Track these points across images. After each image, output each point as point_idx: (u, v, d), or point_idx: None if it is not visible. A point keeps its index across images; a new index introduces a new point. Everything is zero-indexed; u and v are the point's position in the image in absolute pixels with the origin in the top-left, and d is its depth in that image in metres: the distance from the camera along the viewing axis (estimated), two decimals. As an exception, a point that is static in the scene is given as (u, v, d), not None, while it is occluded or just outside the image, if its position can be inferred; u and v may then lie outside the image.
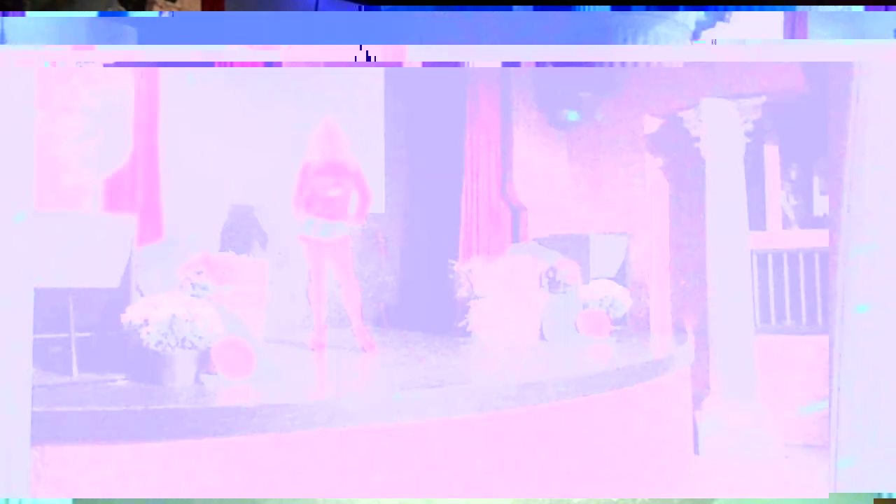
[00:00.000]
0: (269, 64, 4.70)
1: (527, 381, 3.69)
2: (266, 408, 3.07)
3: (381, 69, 7.42)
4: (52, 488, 2.77)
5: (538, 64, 5.58)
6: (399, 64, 4.99)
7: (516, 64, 6.04)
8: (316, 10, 5.60)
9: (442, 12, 5.36)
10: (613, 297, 5.65)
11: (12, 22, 4.17)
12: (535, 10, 5.34)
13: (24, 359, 2.47)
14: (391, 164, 7.50)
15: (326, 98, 6.82)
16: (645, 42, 5.11)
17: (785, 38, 5.00)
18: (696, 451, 5.41)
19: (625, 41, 5.12)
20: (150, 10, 4.60)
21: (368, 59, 4.45)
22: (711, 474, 5.10)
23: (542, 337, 5.59)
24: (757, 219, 5.96)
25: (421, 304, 7.27)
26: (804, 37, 4.96)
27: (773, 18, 5.05)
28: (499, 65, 6.56)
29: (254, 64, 4.87)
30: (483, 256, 6.37)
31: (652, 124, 6.35)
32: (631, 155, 6.46)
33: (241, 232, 6.46)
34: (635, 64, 5.90)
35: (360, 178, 5.23)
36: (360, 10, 5.38)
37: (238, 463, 2.94)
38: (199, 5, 4.88)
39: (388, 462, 3.18)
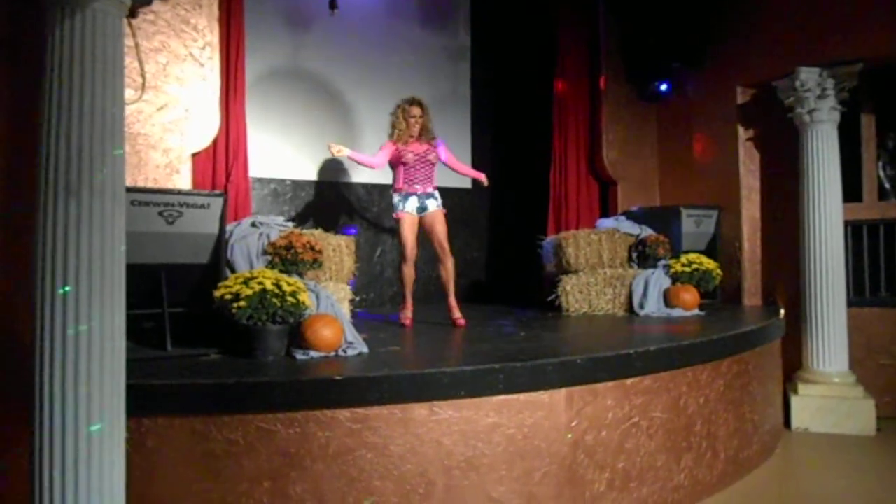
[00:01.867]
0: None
1: (616, 355, 3.67)
2: (355, 381, 3.11)
3: (469, 44, 7.58)
4: (146, 459, 2.90)
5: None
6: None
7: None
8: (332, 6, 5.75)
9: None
10: (704, 271, 5.62)
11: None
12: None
13: (119, 333, 2.47)
14: (478, 139, 7.63)
15: (413, 74, 7.04)
16: None
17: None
18: (788, 425, 5.38)
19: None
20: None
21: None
22: (803, 447, 5.10)
23: (632, 310, 5.63)
24: (852, 189, 5.81)
25: (510, 279, 7.45)
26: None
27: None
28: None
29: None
30: (572, 231, 6.37)
31: (744, 95, 6.23)
32: (722, 126, 6.37)
33: (329, 208, 6.70)
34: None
35: (444, 151, 5.35)
36: None
37: (329, 435, 3.03)
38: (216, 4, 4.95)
39: (477, 435, 3.24)
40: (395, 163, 5.22)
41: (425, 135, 5.26)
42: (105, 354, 2.42)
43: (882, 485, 4.33)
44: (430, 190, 5.23)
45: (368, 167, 5.31)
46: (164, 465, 2.94)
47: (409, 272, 5.22)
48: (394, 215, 5.22)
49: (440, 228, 5.17)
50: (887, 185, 5.98)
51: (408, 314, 5.28)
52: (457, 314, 5.15)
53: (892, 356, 5.74)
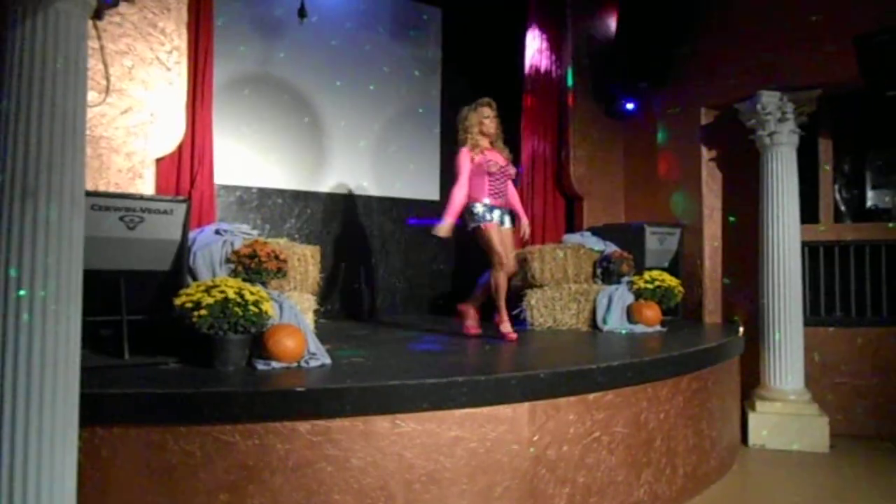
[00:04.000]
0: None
1: (579, 370, 3.68)
2: (317, 392, 3.08)
3: (440, 57, 7.60)
4: (99, 470, 2.83)
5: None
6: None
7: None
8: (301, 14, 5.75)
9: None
10: (666, 288, 5.67)
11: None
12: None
13: (74, 340, 2.41)
14: (447, 152, 7.60)
15: (382, 85, 7.04)
16: None
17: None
18: (745, 441, 5.45)
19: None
20: None
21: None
22: (759, 464, 5.17)
23: (596, 326, 5.66)
24: (810, 211, 5.94)
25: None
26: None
27: None
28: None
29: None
30: (538, 245, 6.39)
31: (708, 115, 6.34)
32: (687, 146, 6.46)
33: (295, 217, 6.63)
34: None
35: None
36: None
37: (288, 447, 3.00)
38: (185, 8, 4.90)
39: (439, 448, 3.23)
40: (475, 175, 5.03)
41: (498, 141, 5.17)
42: (59, 361, 2.35)
43: (835, 501, 4.41)
44: (510, 206, 5.19)
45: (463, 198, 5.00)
46: (118, 477, 2.86)
47: (504, 281, 5.09)
48: (481, 225, 5.00)
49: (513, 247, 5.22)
50: (843, 208, 6.13)
51: (508, 326, 5.07)
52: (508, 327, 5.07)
53: (846, 374, 5.87)
